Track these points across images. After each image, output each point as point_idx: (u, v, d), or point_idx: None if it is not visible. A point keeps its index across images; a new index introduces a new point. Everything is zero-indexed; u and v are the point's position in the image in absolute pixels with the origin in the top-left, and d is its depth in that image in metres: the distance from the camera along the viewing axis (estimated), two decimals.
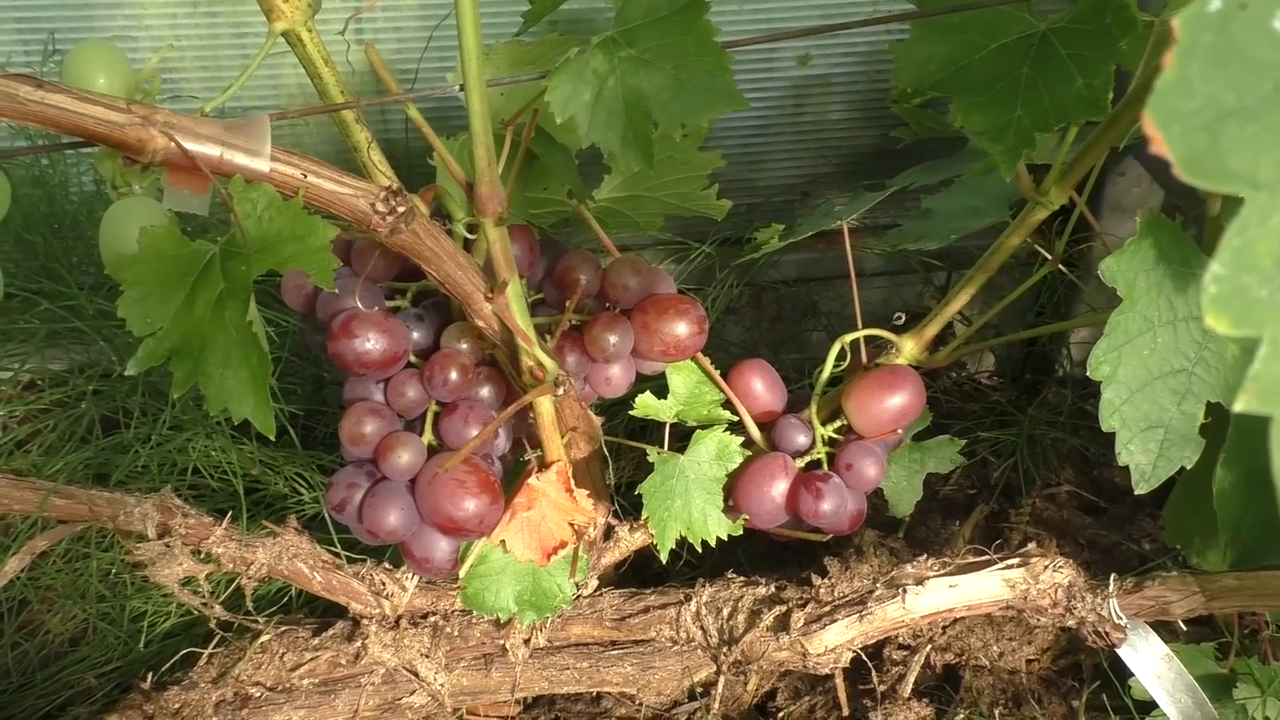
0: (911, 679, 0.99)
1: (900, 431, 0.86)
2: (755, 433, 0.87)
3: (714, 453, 0.82)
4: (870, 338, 0.88)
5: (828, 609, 0.85)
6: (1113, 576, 0.82)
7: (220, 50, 1.16)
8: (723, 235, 1.27)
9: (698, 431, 0.82)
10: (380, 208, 0.62)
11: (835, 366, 0.86)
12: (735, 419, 0.86)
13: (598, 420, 0.83)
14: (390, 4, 1.14)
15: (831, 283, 1.37)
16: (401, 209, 0.63)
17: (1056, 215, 0.82)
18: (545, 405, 0.73)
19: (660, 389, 0.86)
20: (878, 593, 0.84)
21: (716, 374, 0.86)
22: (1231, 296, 0.26)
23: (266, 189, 0.60)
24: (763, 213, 1.32)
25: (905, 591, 0.83)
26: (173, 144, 0.58)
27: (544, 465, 0.76)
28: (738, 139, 1.28)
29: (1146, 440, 0.72)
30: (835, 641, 0.84)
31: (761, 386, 0.88)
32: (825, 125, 1.28)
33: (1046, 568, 0.82)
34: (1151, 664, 0.83)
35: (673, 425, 0.86)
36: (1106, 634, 0.81)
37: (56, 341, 1.06)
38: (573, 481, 0.75)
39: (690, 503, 0.80)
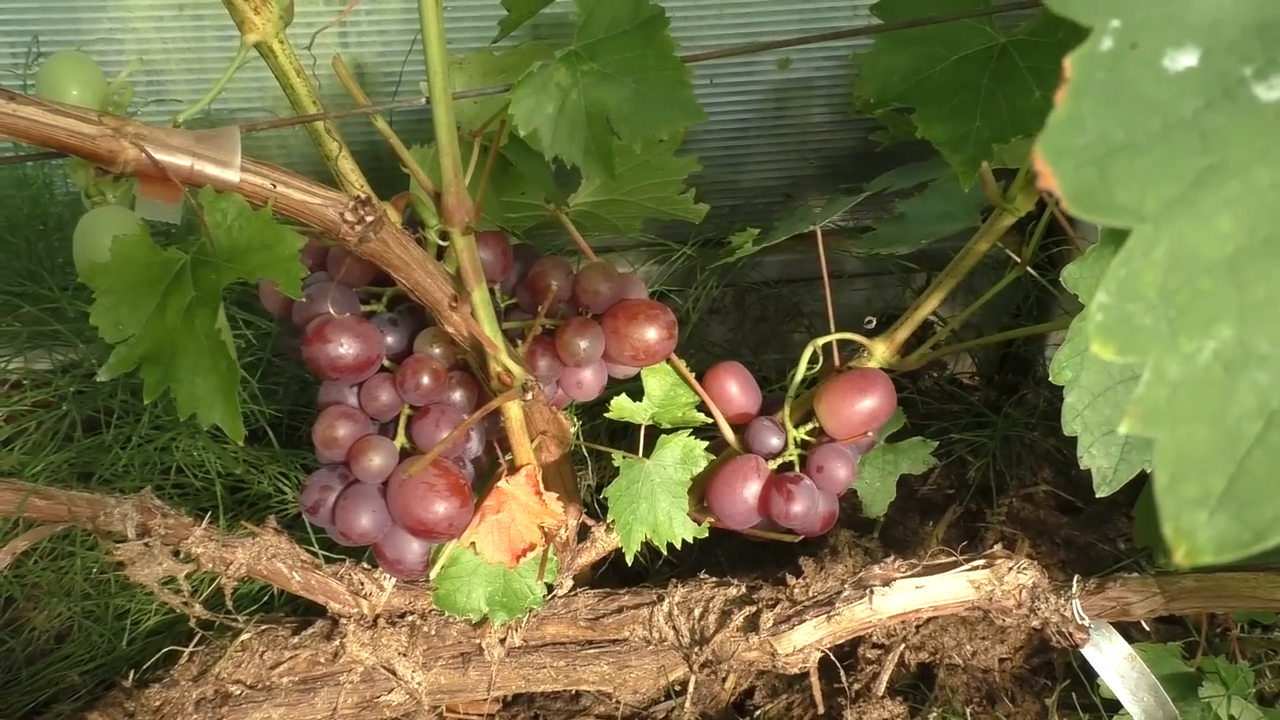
0: (885, 677, 1.00)
1: (871, 434, 0.87)
2: (729, 435, 0.88)
3: (679, 457, 0.83)
4: (843, 341, 0.89)
5: (796, 610, 0.86)
6: (1076, 578, 0.83)
7: (206, 53, 1.16)
8: (705, 236, 1.28)
9: (662, 436, 0.83)
10: (349, 217, 0.63)
11: (808, 369, 0.87)
12: (710, 421, 0.87)
13: (569, 424, 0.84)
14: (375, 6, 1.15)
15: (814, 284, 1.38)
16: (370, 218, 0.64)
17: (1033, 218, 0.82)
18: (514, 410, 0.74)
19: (636, 391, 0.87)
20: (845, 593, 0.85)
21: (691, 376, 0.87)
22: (1117, 324, 0.27)
23: (236, 199, 0.61)
24: (745, 214, 1.32)
25: (872, 592, 0.85)
26: (143, 155, 0.59)
27: (514, 469, 0.77)
28: (720, 141, 1.28)
29: (1108, 444, 0.73)
30: (803, 642, 0.86)
31: (736, 389, 0.89)
32: (806, 128, 1.28)
33: (1011, 569, 0.83)
34: (1115, 664, 0.84)
35: (649, 426, 0.87)
36: (1070, 634, 0.83)
37: (40, 343, 1.07)
38: (542, 484, 0.76)
39: (656, 506, 0.81)
